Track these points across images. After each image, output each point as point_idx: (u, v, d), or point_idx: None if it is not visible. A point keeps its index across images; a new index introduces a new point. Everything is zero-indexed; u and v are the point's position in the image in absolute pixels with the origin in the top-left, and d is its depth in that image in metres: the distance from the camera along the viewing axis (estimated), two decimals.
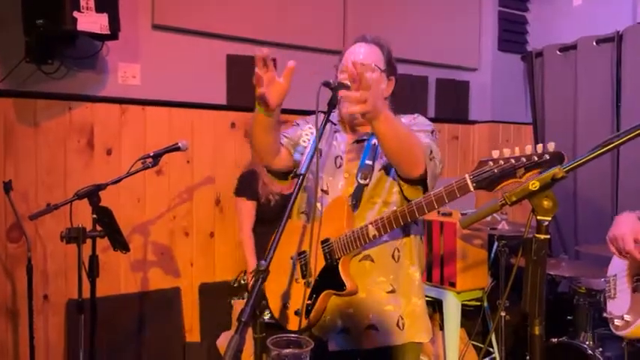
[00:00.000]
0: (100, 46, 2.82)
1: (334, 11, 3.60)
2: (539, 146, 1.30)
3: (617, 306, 1.93)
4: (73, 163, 2.92)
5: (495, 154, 1.36)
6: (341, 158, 1.80)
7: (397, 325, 1.72)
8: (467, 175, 1.42)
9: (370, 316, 1.71)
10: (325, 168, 1.81)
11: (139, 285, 3.12)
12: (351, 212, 1.70)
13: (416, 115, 1.84)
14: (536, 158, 1.29)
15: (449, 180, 1.75)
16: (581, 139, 3.75)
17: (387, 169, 1.73)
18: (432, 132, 1.76)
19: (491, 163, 1.37)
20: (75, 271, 2.32)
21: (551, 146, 1.28)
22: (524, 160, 1.30)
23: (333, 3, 3.61)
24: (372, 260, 1.72)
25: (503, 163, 1.34)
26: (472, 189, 1.42)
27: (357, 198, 1.71)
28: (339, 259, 1.67)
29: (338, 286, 1.67)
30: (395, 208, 1.66)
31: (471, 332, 3.44)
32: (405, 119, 1.81)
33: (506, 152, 1.35)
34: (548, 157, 1.28)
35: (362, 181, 1.71)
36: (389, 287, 1.72)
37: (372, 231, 1.61)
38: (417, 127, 1.75)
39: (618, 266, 2.00)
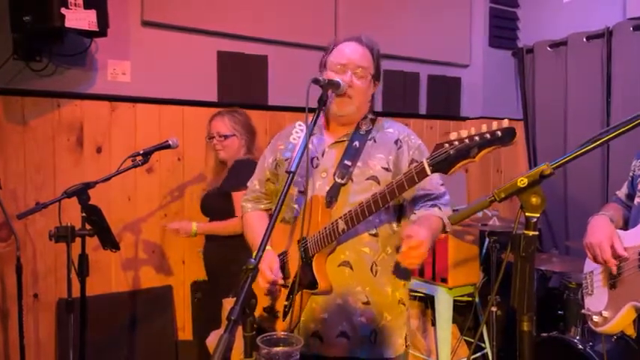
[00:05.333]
0: (89, 42, 2.80)
1: (325, 7, 3.58)
2: (495, 123, 1.30)
3: (595, 302, 1.93)
4: (63, 161, 2.90)
5: (453, 136, 1.37)
6: (317, 159, 1.79)
7: (369, 338, 1.71)
8: (424, 160, 1.44)
9: (343, 323, 1.70)
10: (301, 169, 1.79)
11: (131, 283, 3.11)
12: (326, 209, 1.68)
13: (408, 132, 1.83)
14: (488, 136, 1.29)
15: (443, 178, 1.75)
16: (572, 135, 3.77)
17: (377, 180, 1.72)
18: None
19: (447, 145, 1.38)
20: (65, 270, 2.30)
21: (504, 122, 1.28)
22: (477, 139, 1.31)
23: None
24: (351, 268, 1.70)
25: (458, 144, 1.35)
26: (429, 172, 1.43)
27: (332, 195, 1.70)
28: (313, 256, 1.65)
29: (312, 284, 1.65)
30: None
31: (463, 327, 3.46)
32: (394, 129, 1.82)
33: (463, 133, 1.35)
34: (500, 134, 1.28)
35: (339, 180, 1.70)
36: (364, 298, 1.71)
37: (341, 224, 1.60)
38: (418, 154, 1.76)
39: (594, 263, 2.00)
